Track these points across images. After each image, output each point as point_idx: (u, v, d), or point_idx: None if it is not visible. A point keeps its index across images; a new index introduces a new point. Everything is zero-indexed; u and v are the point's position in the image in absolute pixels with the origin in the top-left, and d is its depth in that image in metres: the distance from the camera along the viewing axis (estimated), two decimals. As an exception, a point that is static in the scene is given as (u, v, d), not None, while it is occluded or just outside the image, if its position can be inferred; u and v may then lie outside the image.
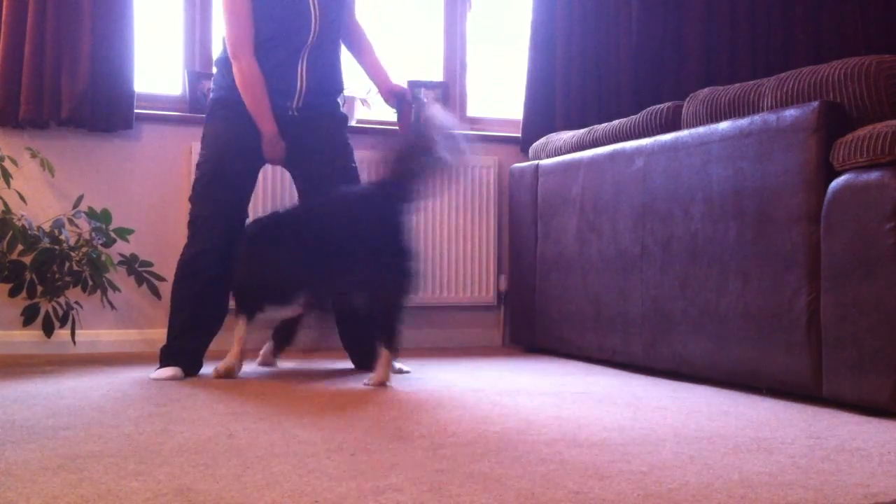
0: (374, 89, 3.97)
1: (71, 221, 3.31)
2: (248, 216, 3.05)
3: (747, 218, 2.57)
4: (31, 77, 3.39)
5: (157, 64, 3.87)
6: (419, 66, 4.27)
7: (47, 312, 3.25)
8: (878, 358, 2.16)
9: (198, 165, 3.00)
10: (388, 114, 4.13)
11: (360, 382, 2.72)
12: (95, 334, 3.55)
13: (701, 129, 2.79)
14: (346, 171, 3.08)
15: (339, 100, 3.18)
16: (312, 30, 2.94)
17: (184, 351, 2.89)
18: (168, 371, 2.80)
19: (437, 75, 4.24)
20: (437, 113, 2.93)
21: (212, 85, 3.12)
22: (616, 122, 3.40)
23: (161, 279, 3.42)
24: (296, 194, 3.23)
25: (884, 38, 4.72)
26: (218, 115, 3.00)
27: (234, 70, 2.91)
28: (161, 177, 3.69)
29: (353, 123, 3.87)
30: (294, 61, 2.95)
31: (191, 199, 3.00)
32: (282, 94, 2.96)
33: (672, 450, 1.75)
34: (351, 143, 3.15)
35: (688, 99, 3.01)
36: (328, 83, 3.06)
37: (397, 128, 3.19)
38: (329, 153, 3.06)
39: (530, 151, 4.02)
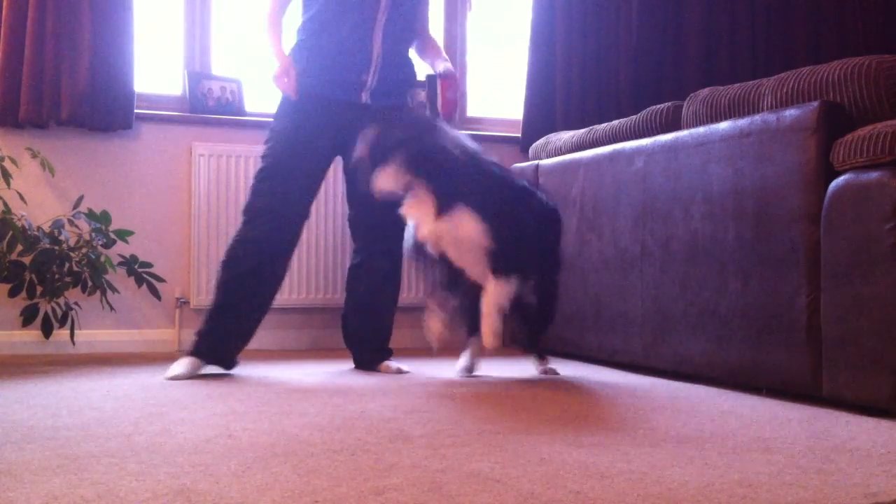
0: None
1: (71, 222, 3.31)
2: (307, 215, 3.02)
3: (747, 218, 2.57)
4: (31, 77, 3.39)
5: (157, 64, 3.87)
6: (419, 66, 4.26)
7: (46, 313, 3.25)
8: (878, 358, 2.16)
9: (261, 157, 3.01)
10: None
11: (363, 381, 2.72)
12: (94, 335, 3.55)
13: (701, 129, 2.79)
14: None
15: (408, 97, 3.18)
16: (383, 3, 2.95)
17: (208, 338, 2.87)
18: (180, 365, 2.79)
19: (437, 75, 4.24)
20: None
21: None
22: (616, 122, 3.40)
23: (160, 280, 3.42)
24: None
25: (884, 38, 4.72)
26: (285, 111, 3.01)
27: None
28: (161, 177, 3.69)
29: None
30: (369, 28, 2.95)
31: (251, 189, 3.00)
32: (356, 66, 2.96)
33: (672, 450, 1.75)
34: None
35: (688, 99, 3.01)
36: (402, 66, 3.07)
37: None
38: None
39: (530, 151, 4.01)
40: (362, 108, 3.01)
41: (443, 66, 3.13)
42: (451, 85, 3.10)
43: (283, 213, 2.93)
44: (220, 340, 2.88)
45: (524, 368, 3.20)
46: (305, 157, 2.97)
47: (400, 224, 3.11)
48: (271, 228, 2.91)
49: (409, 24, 3.09)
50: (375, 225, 3.10)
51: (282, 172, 2.94)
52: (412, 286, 3.98)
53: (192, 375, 2.78)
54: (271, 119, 3.06)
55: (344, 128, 3.00)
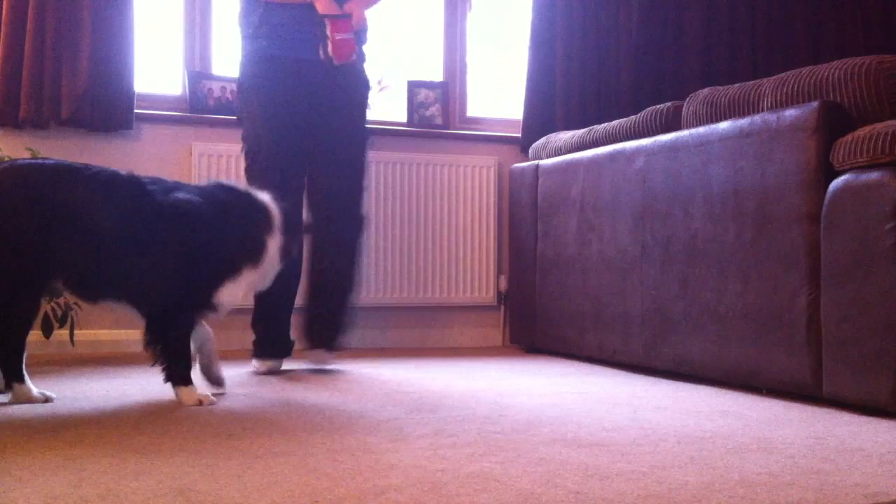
0: (374, 89, 3.99)
1: (71, 221, 3.30)
2: (303, 189, 3.03)
3: (747, 218, 2.57)
4: (31, 77, 3.39)
5: (157, 64, 3.87)
6: (419, 66, 4.27)
7: (46, 313, 3.24)
8: (878, 358, 2.15)
9: (242, 139, 3.02)
10: (387, 114, 4.14)
11: (363, 381, 2.72)
12: (94, 334, 3.55)
13: (701, 129, 2.79)
14: (356, 135, 3.09)
15: (363, 53, 3.14)
16: None
17: (264, 342, 3.00)
18: (264, 364, 2.95)
19: (437, 75, 4.24)
20: None
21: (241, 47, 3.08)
22: (616, 122, 3.40)
23: (161, 279, 3.41)
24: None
25: (884, 38, 4.72)
26: (245, 85, 3.01)
27: None
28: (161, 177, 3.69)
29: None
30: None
31: (245, 174, 3.04)
32: (309, 21, 2.92)
33: (672, 450, 1.75)
34: (367, 105, 3.16)
35: (688, 99, 3.00)
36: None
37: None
38: (346, 114, 3.06)
39: (530, 151, 4.02)
40: (320, 65, 2.96)
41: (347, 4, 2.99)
42: (340, 26, 2.93)
43: (283, 199, 2.96)
44: (271, 343, 3.00)
45: (523, 369, 3.20)
46: (283, 133, 2.96)
47: (363, 185, 3.11)
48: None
49: None
50: (340, 189, 3.06)
51: (267, 158, 2.96)
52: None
53: (275, 370, 2.95)
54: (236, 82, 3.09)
55: (314, 89, 2.99)
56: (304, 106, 2.99)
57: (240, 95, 3.06)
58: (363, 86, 3.13)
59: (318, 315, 3.08)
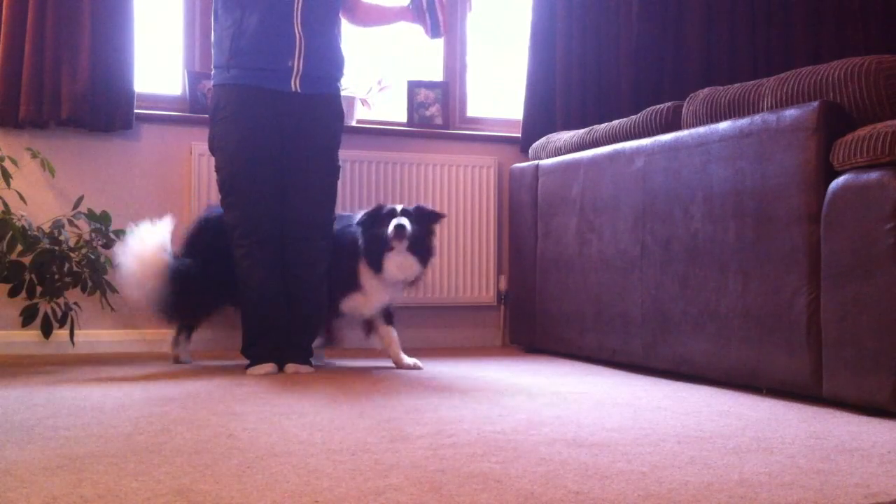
0: (374, 89, 3.98)
1: (71, 222, 3.31)
2: (278, 218, 3.04)
3: (747, 218, 2.57)
4: (31, 77, 3.39)
5: (157, 64, 3.87)
6: (419, 66, 4.27)
7: (46, 313, 3.25)
8: (878, 358, 2.16)
9: (216, 170, 3.06)
10: (387, 114, 4.14)
11: (363, 381, 2.72)
12: (94, 335, 3.55)
13: (701, 129, 2.79)
14: (327, 165, 3.10)
15: (339, 85, 3.17)
16: None
17: (261, 355, 2.99)
18: (265, 367, 2.95)
19: (437, 75, 4.24)
20: None
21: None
22: (616, 122, 3.40)
23: (161, 279, 3.41)
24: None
25: (884, 38, 4.72)
26: (218, 116, 3.03)
27: None
28: (161, 177, 3.69)
29: (352, 123, 3.87)
30: (288, 11, 2.95)
31: (221, 204, 3.08)
32: (282, 52, 2.96)
33: (672, 450, 1.75)
34: (340, 138, 3.18)
35: (688, 99, 3.01)
36: (328, 52, 3.06)
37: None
38: (318, 144, 3.08)
39: (530, 151, 4.02)
40: (294, 97, 3.00)
41: None
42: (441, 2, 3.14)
43: (261, 219, 2.99)
44: (266, 357, 2.98)
45: (523, 369, 3.20)
46: (255, 160, 2.98)
47: (333, 214, 3.15)
48: (260, 239, 2.99)
49: (329, 5, 3.06)
50: (312, 216, 3.07)
51: (240, 183, 2.99)
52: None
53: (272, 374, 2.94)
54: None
55: (287, 119, 3.00)
56: (277, 136, 3.01)
57: (212, 126, 3.06)
58: (337, 118, 3.14)
59: (291, 332, 3.08)
